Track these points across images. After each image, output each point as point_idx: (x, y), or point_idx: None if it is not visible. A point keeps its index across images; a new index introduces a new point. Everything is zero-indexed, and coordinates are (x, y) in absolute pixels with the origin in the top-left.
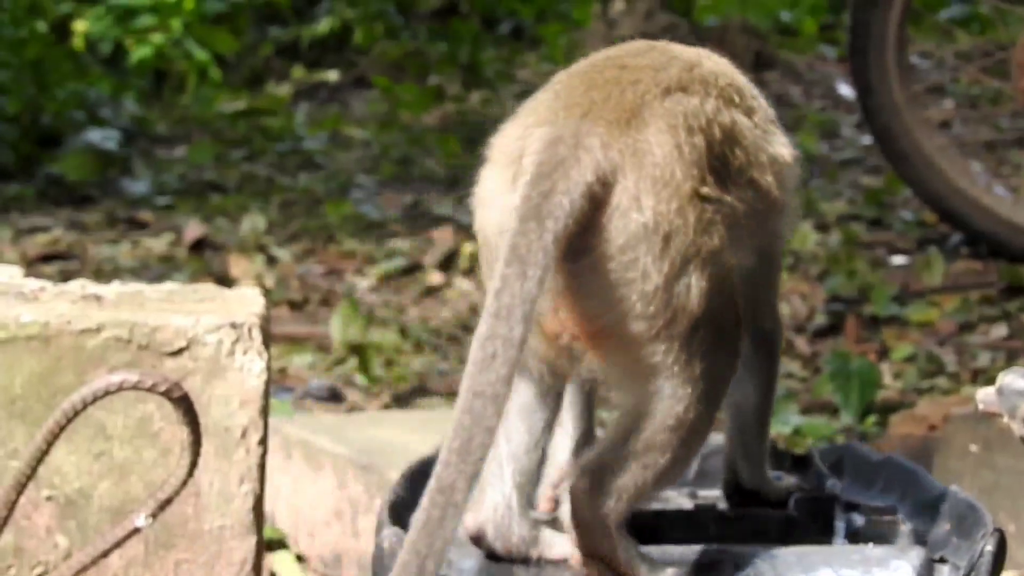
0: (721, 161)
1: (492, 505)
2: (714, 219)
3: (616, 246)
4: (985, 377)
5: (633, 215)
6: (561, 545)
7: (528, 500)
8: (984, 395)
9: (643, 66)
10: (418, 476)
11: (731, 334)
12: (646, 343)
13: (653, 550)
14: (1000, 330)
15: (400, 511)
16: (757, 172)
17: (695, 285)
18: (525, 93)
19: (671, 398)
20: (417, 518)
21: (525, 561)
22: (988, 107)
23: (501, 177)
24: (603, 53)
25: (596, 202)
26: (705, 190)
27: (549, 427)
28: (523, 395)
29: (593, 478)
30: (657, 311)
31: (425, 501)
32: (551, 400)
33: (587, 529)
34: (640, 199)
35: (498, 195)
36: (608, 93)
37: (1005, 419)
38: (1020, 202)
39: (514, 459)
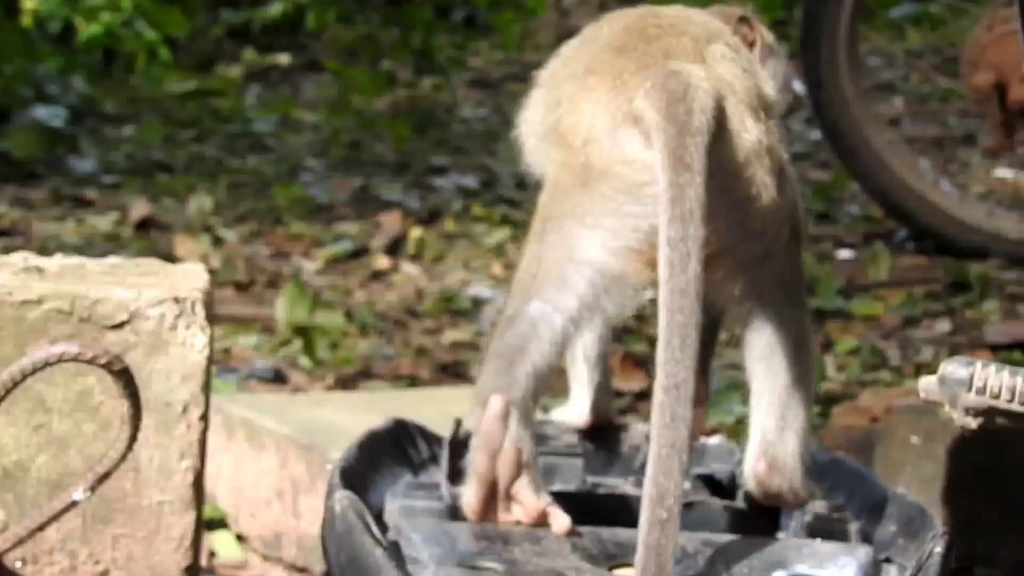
0: (756, 93)
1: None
2: (777, 134)
3: (736, 164)
4: (927, 371)
5: (744, 135)
6: None
7: None
8: (926, 384)
9: (674, 21)
10: (369, 445)
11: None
12: (763, 256)
13: (603, 532)
14: (944, 325)
15: (351, 477)
16: (767, 103)
17: (792, 194)
18: (477, 80)
19: (790, 308)
20: (656, 418)
21: None
22: (937, 105)
23: (608, 115)
24: (616, 16)
25: (718, 124)
26: (762, 113)
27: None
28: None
29: (767, 452)
30: (773, 222)
31: (659, 399)
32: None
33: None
34: (744, 121)
35: (611, 130)
36: (667, 43)
37: (946, 408)
38: (967, 199)
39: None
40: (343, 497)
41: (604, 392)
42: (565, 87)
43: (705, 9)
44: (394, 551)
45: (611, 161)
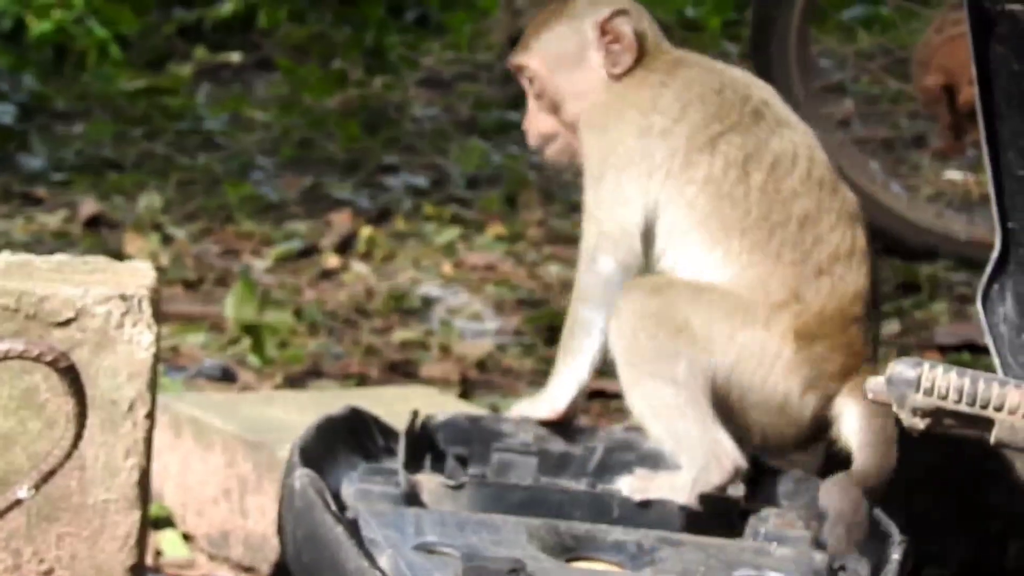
0: None
1: None
2: None
3: None
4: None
5: None
6: None
7: None
8: (874, 384)
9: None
10: (327, 429)
11: None
12: None
13: (559, 524)
14: (893, 326)
15: (309, 457)
16: None
17: None
18: (428, 79)
19: None
20: None
21: None
22: (888, 106)
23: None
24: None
25: None
26: None
27: None
28: None
29: None
30: None
31: None
32: None
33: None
34: None
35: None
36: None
37: (894, 409)
38: (916, 200)
39: None
40: (303, 475)
41: (582, 392)
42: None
43: None
44: (353, 530)
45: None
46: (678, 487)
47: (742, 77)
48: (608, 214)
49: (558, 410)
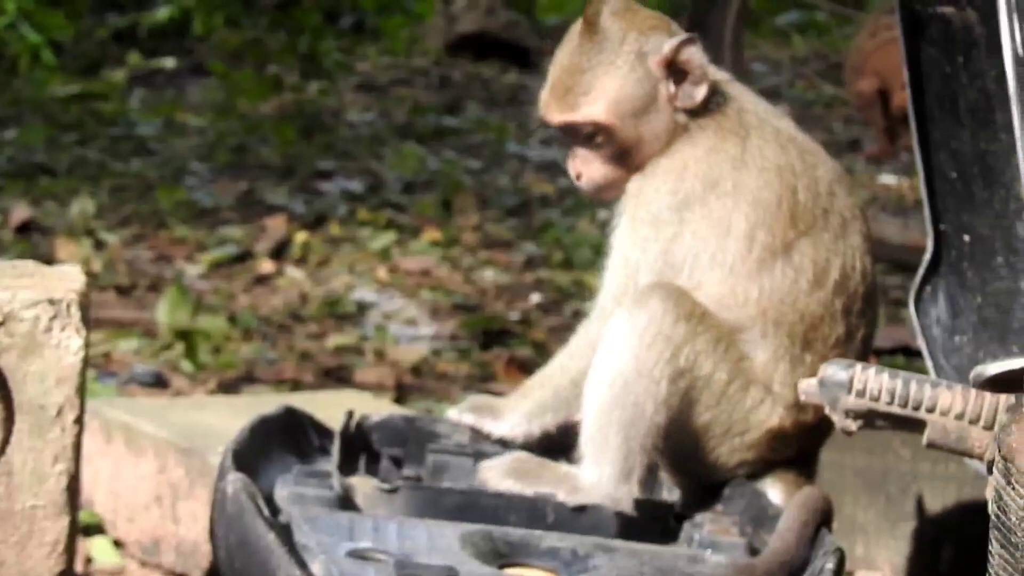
0: None
1: None
2: None
3: None
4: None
5: None
6: None
7: None
8: (806, 386)
9: None
10: (260, 430)
11: None
12: None
13: (493, 530)
14: None
15: (242, 460)
16: None
17: None
18: (363, 84)
19: None
20: None
21: None
22: (822, 111)
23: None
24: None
25: None
26: None
27: None
28: None
29: None
30: None
31: None
32: None
33: None
34: None
35: None
36: None
37: (826, 410)
38: None
39: None
40: (235, 479)
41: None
42: None
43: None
44: (285, 535)
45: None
46: (563, 482)
47: (803, 152)
48: (648, 278)
49: (516, 436)
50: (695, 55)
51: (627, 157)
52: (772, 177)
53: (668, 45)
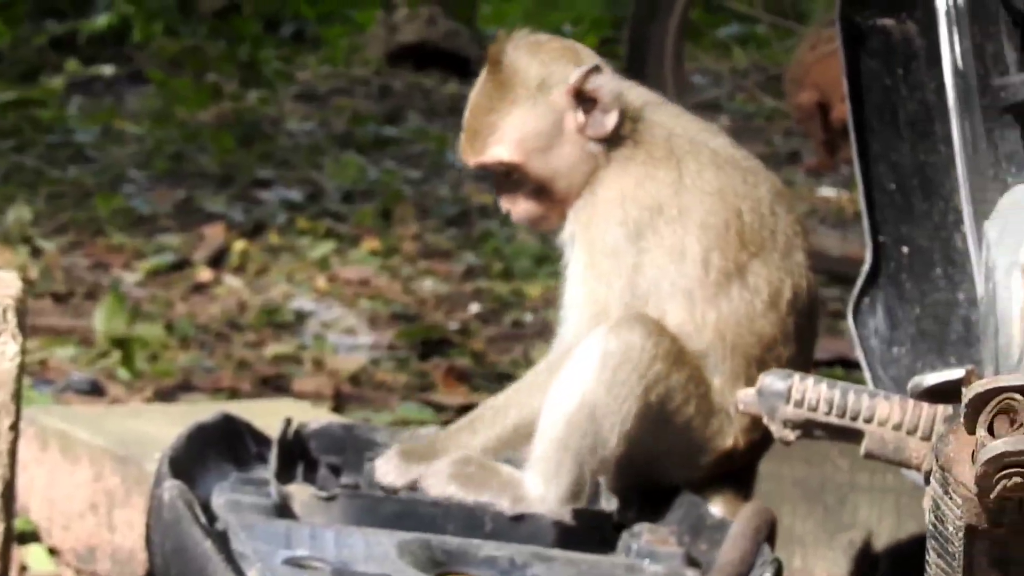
0: None
1: None
2: None
3: None
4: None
5: None
6: None
7: None
8: (744, 396)
9: None
10: (197, 437)
11: None
12: None
13: (431, 538)
14: None
15: (179, 467)
16: None
17: None
18: (303, 94)
19: None
20: None
21: None
22: (762, 123)
23: None
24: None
25: None
26: None
27: None
28: None
29: None
30: None
31: None
32: None
33: None
34: None
35: None
36: None
37: (764, 420)
38: None
39: None
40: (172, 486)
41: None
42: None
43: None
44: (222, 543)
45: None
46: (507, 489)
47: (736, 155)
48: (617, 312)
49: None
50: (603, 83)
51: (548, 191)
52: (716, 201)
53: (573, 75)
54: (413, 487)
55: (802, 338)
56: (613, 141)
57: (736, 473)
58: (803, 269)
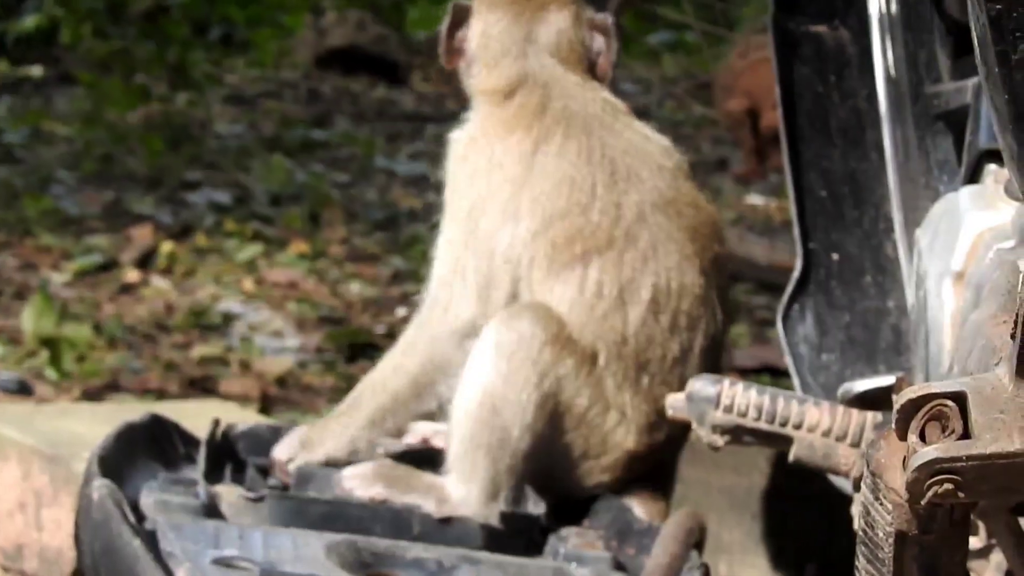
0: None
1: None
2: None
3: None
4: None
5: None
6: None
7: None
8: (673, 401)
9: None
10: (126, 436)
11: None
12: None
13: (359, 540)
14: None
15: (108, 467)
16: None
17: None
18: (232, 96)
19: None
20: None
21: None
22: (691, 131)
23: None
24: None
25: None
26: None
27: None
28: None
29: None
30: None
31: None
32: None
33: None
34: None
35: None
36: None
37: (694, 426)
38: None
39: None
40: (101, 485)
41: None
42: None
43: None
44: (151, 542)
45: None
46: (431, 492)
47: (627, 156)
48: (476, 263)
49: (331, 458)
50: (471, 29)
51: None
52: (557, 189)
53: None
54: (310, 473)
55: (686, 336)
56: (486, 86)
57: (653, 477)
58: (674, 271)
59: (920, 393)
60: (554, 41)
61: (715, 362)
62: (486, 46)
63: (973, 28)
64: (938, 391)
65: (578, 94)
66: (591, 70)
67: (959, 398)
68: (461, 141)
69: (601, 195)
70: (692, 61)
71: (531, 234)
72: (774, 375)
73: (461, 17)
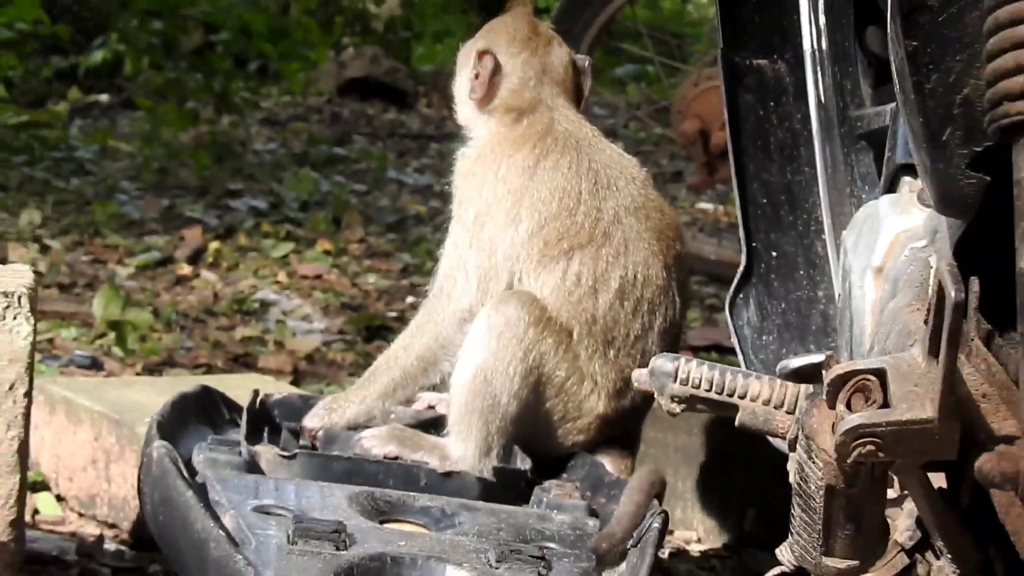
0: None
1: None
2: None
3: None
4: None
5: None
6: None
7: None
8: (638, 375)
9: None
10: (180, 405)
11: None
12: None
13: (375, 491)
14: None
15: (165, 430)
16: None
17: None
18: (267, 119)
19: None
20: None
21: None
22: (652, 148)
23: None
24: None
25: None
26: None
27: None
28: None
29: None
30: None
31: None
32: None
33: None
34: None
35: None
36: None
37: (655, 396)
38: None
39: None
40: (160, 446)
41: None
42: None
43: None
44: (201, 494)
45: None
46: (435, 451)
47: (607, 169)
48: (478, 260)
49: (352, 423)
50: (485, 65)
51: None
52: (553, 195)
53: (478, 46)
54: (334, 435)
55: (646, 318)
56: (507, 112)
57: (621, 439)
58: (641, 265)
59: (847, 369)
60: (560, 73)
61: (674, 341)
62: (511, 77)
63: (892, 62)
64: (862, 368)
65: (573, 117)
66: (576, 99)
67: (880, 373)
68: (469, 157)
69: (585, 200)
70: (652, 89)
71: (528, 235)
72: (721, 352)
73: (494, 62)
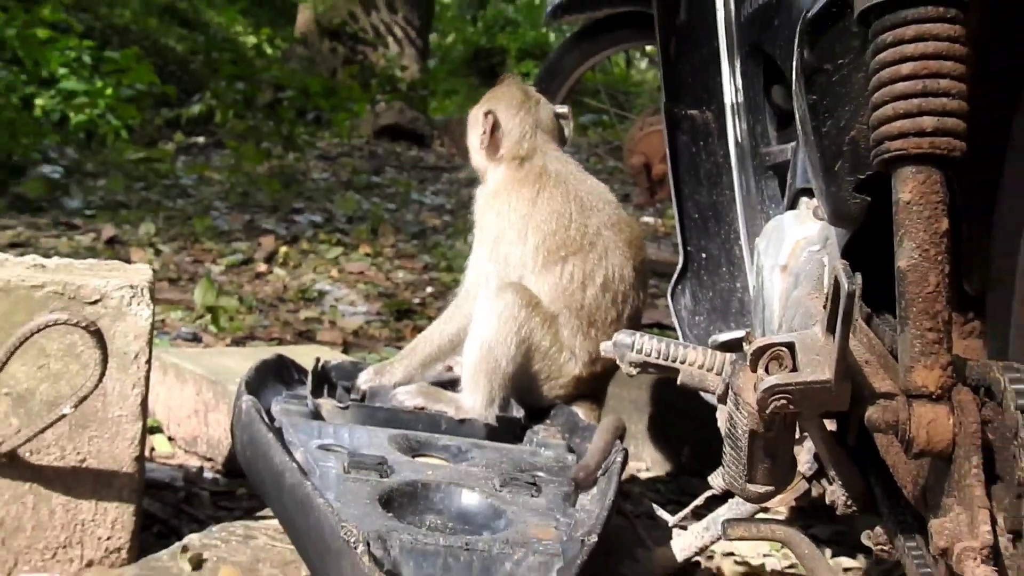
0: None
1: None
2: None
3: None
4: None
5: None
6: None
7: None
8: (604, 346)
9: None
10: (262, 368)
11: None
12: None
13: (408, 433)
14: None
15: (251, 387)
16: None
17: None
18: (321, 155)
19: None
20: None
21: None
22: (607, 177)
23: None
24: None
25: None
26: None
27: None
28: None
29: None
30: None
31: None
32: None
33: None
34: None
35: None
36: None
37: (617, 362)
38: None
39: None
40: (247, 399)
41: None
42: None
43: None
44: (278, 436)
45: None
46: (452, 403)
47: (589, 196)
48: (495, 274)
49: (395, 383)
50: (490, 123)
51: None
52: (553, 216)
53: (483, 108)
54: (377, 391)
55: (620, 306)
56: (512, 159)
57: (590, 394)
58: (617, 266)
59: (765, 342)
60: (548, 124)
61: (637, 322)
62: (512, 132)
63: (796, 111)
64: (777, 341)
65: (561, 158)
66: (560, 140)
67: (790, 346)
68: (488, 194)
69: (575, 219)
70: (607, 132)
71: (534, 248)
72: (661, 329)
73: (495, 120)
